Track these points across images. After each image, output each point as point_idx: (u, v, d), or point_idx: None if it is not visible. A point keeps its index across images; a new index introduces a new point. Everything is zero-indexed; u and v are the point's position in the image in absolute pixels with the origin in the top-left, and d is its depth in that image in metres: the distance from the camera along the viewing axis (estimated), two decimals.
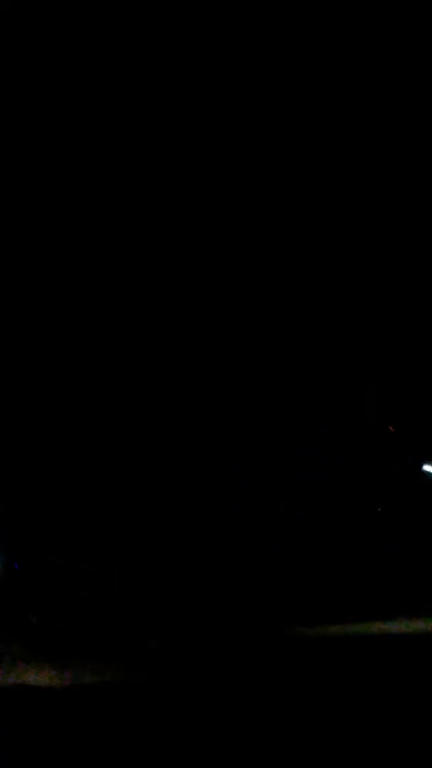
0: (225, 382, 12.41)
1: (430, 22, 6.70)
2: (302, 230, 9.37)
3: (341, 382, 9.62)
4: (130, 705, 2.17)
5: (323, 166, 8.39)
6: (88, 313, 14.52)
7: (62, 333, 15.96)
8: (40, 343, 16.80)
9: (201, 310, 12.03)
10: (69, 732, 1.81)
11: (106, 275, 12.66)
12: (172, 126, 8.64)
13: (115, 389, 17.38)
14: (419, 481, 9.01)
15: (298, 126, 8.16)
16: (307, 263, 9.65)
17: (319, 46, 7.27)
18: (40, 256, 12.09)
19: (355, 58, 7.21)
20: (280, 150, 8.53)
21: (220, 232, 10.29)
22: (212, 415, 13.26)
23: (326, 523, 9.94)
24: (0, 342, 16.28)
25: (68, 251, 11.91)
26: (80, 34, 7.22)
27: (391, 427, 8.65)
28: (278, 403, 11.11)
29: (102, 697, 2.34)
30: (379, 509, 8.90)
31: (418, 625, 6.62)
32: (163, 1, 7.00)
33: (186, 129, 8.64)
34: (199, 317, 12.16)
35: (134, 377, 16.10)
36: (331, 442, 9.98)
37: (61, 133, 8.75)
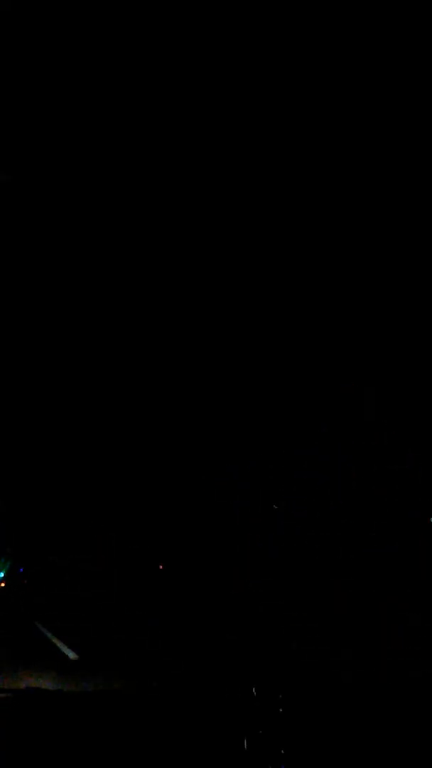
0: (225, 382, 12.41)
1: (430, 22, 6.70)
2: (302, 229, 9.37)
3: (341, 382, 9.63)
4: (131, 710, 2.17)
5: (323, 166, 8.40)
6: (88, 314, 14.52)
7: (62, 334, 15.97)
8: (40, 344, 16.81)
9: (200, 310, 12.04)
10: (71, 736, 1.81)
11: (106, 274, 12.67)
12: (172, 127, 8.65)
13: (115, 390, 17.40)
14: (419, 482, 9.02)
15: (298, 127, 8.17)
16: (306, 263, 9.65)
17: (319, 47, 7.27)
18: (39, 257, 12.10)
19: (356, 59, 7.20)
20: (279, 151, 8.53)
21: (220, 230, 10.30)
22: (212, 416, 13.27)
23: (326, 523, 9.94)
24: (1, 344, 16.29)
25: (68, 253, 11.92)
26: (81, 35, 7.22)
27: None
28: (278, 403, 11.11)
29: (102, 702, 2.34)
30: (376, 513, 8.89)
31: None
32: (164, 2, 7.00)
33: (186, 130, 8.64)
34: (199, 317, 12.17)
35: (134, 378, 16.11)
36: (331, 442, 9.99)
37: (61, 134, 8.75)
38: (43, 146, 8.89)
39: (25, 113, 8.29)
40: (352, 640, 7.22)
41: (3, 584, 27.36)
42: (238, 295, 11.05)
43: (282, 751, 1.76)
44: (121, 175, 9.67)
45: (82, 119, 8.54)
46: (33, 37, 7.19)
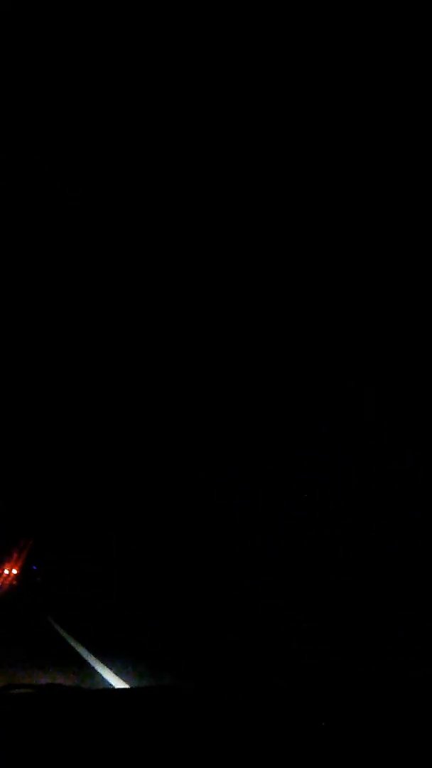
0: (225, 382, 12.41)
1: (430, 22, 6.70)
2: (302, 228, 9.37)
3: (341, 382, 9.62)
4: (130, 708, 2.18)
5: (323, 166, 8.39)
6: (89, 314, 14.51)
7: (62, 334, 15.97)
8: (40, 346, 16.82)
9: (201, 310, 12.04)
10: (89, 734, 1.82)
11: (107, 275, 12.66)
12: (172, 128, 8.65)
13: (115, 391, 17.40)
14: (419, 482, 9.00)
15: (298, 128, 8.17)
16: (306, 262, 9.65)
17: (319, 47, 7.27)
18: (40, 257, 12.09)
19: (356, 60, 7.20)
20: (279, 151, 8.53)
21: (219, 229, 10.29)
22: (212, 415, 13.27)
23: (326, 523, 9.94)
24: (1, 346, 16.29)
25: (68, 253, 11.90)
26: (81, 36, 7.22)
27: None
28: (278, 403, 11.11)
29: (101, 699, 2.35)
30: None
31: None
32: (164, 3, 7.00)
33: (186, 131, 8.64)
34: (199, 317, 12.17)
35: (133, 378, 16.12)
36: (331, 442, 9.98)
37: (61, 135, 8.76)
38: (43, 146, 8.88)
39: (25, 113, 8.29)
40: (352, 640, 7.22)
41: (16, 582, 27.46)
42: (238, 296, 11.05)
43: (282, 752, 1.77)
44: (121, 175, 9.66)
45: (81, 119, 8.54)
46: (33, 37, 7.19)
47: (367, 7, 6.63)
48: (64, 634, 8.98)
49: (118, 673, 5.70)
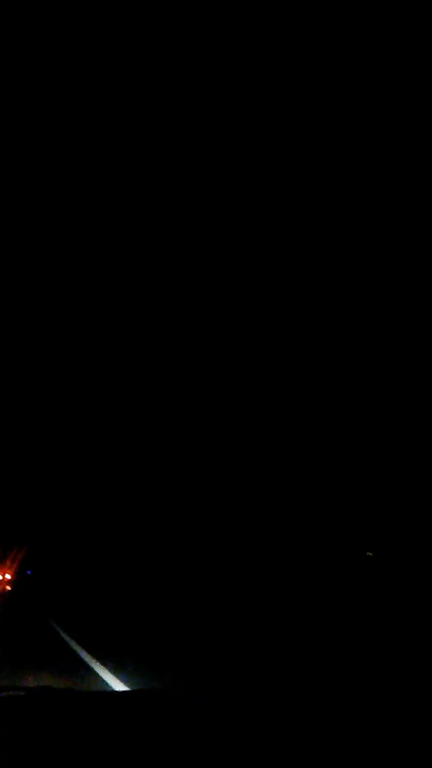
0: (223, 381, 12.41)
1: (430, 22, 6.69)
2: (302, 231, 9.36)
3: (341, 385, 9.63)
4: (129, 710, 2.17)
5: (323, 168, 8.39)
6: (88, 316, 14.50)
7: (61, 337, 15.96)
8: (40, 348, 16.81)
9: (201, 312, 12.03)
10: (67, 736, 1.81)
11: (107, 277, 12.65)
12: (172, 128, 8.64)
13: (115, 391, 17.40)
14: (418, 486, 9.01)
15: (298, 128, 8.15)
16: (307, 265, 9.65)
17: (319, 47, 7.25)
18: (40, 258, 12.08)
19: (356, 60, 7.19)
20: (279, 152, 8.52)
21: (219, 232, 10.28)
22: (212, 415, 13.26)
23: (326, 522, 9.94)
24: (1, 347, 16.28)
25: (68, 254, 11.89)
26: (80, 35, 7.21)
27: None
28: (277, 403, 11.11)
29: (101, 701, 2.35)
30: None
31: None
32: (164, 3, 6.99)
33: (186, 131, 8.63)
34: (199, 319, 12.16)
35: (133, 379, 16.11)
36: (331, 439, 9.99)
37: (61, 135, 8.75)
38: (42, 146, 8.88)
39: (25, 113, 8.29)
40: (353, 640, 7.21)
41: (9, 587, 27.29)
42: (239, 298, 11.05)
43: (282, 751, 1.76)
44: (121, 176, 9.65)
45: (81, 120, 8.53)
46: (33, 37, 7.18)
47: (366, 8, 6.62)
48: (65, 636, 8.98)
49: (116, 675, 5.69)
